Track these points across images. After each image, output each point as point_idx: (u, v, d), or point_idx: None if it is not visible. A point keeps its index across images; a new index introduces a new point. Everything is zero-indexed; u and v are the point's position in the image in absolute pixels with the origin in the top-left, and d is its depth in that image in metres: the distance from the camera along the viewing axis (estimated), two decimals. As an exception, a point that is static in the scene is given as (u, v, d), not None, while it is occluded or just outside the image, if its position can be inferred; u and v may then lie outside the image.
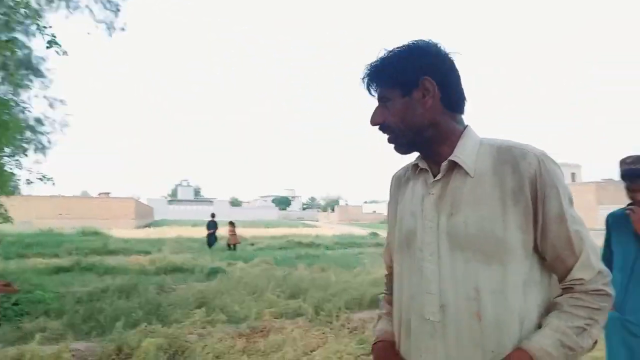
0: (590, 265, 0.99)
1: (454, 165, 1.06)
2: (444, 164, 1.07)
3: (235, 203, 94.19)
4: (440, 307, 1.01)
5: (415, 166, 1.17)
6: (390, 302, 1.25)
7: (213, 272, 8.93)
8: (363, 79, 1.14)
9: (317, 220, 72.68)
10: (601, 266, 1.00)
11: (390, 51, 1.11)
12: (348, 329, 5.01)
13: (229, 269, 9.49)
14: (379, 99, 1.12)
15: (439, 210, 1.05)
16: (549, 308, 1.01)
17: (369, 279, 7.51)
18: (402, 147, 1.13)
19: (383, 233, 28.05)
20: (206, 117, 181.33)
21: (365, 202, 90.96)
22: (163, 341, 4.06)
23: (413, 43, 1.09)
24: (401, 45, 1.10)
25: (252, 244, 17.83)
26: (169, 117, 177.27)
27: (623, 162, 2.24)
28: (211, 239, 15.91)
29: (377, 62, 1.12)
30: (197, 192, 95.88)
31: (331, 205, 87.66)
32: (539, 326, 0.98)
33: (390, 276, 1.32)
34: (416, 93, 1.08)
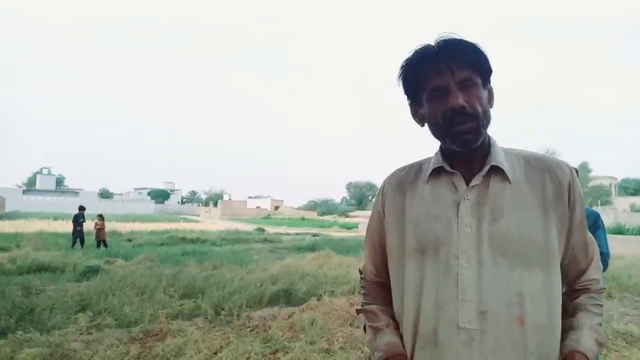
0: (599, 268, 1.11)
1: (491, 171, 1.05)
2: (485, 168, 1.05)
3: (105, 195, 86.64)
4: (478, 314, 0.97)
5: (435, 170, 1.10)
6: (385, 313, 1.17)
7: (90, 271, 8.05)
8: (439, 50, 1.02)
9: (198, 215, 70.15)
10: (602, 268, 1.15)
11: (466, 40, 1.03)
12: (249, 327, 4.89)
13: (108, 268, 8.64)
14: (461, 81, 1.01)
15: (478, 216, 1.02)
16: (567, 308, 1.06)
17: (265, 275, 7.42)
18: (479, 139, 1.03)
19: (268, 229, 28.11)
20: (71, 94, 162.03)
21: (250, 197, 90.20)
22: (44, 351, 3.55)
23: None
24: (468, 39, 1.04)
25: (130, 240, 16.53)
26: (25, 91, 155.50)
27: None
28: (80, 235, 14.06)
29: (461, 40, 1.02)
30: (59, 181, 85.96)
31: (214, 199, 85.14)
32: (564, 326, 1.04)
33: (375, 285, 1.25)
34: (488, 89, 1.08)
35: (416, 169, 1.17)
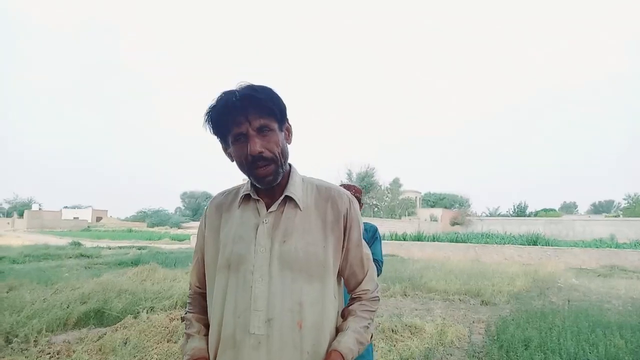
0: (373, 279, 1.36)
1: (286, 199, 1.25)
2: (280, 198, 1.25)
3: None
4: (266, 322, 1.15)
5: (245, 196, 1.28)
6: (200, 321, 1.33)
7: None
8: (237, 101, 1.15)
9: (-3, 228, 59.21)
10: (377, 279, 1.40)
11: (261, 87, 1.19)
12: (49, 354, 4.41)
13: None
14: (259, 128, 1.17)
15: (272, 238, 1.21)
16: (344, 313, 1.32)
17: (74, 294, 6.70)
18: (277, 178, 1.22)
19: (87, 242, 25.25)
20: None
21: (66, 207, 79.63)
22: None
23: (268, 86, 1.21)
24: (260, 84, 1.20)
25: None
26: None
27: None
28: None
29: (256, 91, 1.17)
30: None
31: (19, 209, 72.82)
32: (337, 329, 1.27)
33: (197, 296, 1.39)
34: (285, 131, 1.26)
35: (234, 193, 1.35)
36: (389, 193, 47.14)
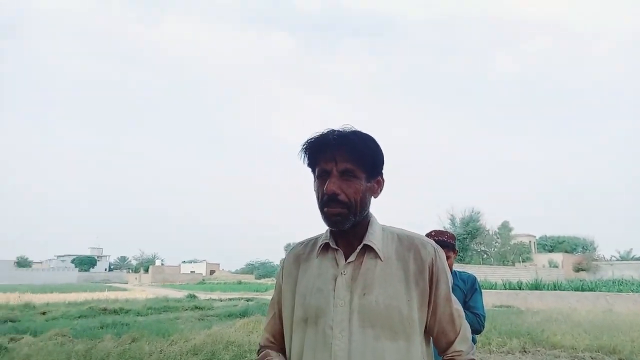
0: (466, 339, 1.23)
1: (365, 249, 1.19)
2: (359, 247, 1.19)
3: (22, 264, 79.48)
4: None
5: (324, 245, 1.24)
6: (278, 355, 1.29)
7: (-11, 351, 7.29)
8: (332, 139, 1.15)
9: (127, 283, 65.74)
10: (471, 338, 1.25)
11: (363, 134, 1.19)
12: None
13: (11, 346, 7.86)
14: (343, 171, 1.15)
15: (352, 290, 1.15)
16: None
17: (187, 346, 7.10)
18: (347, 223, 1.17)
19: (201, 295, 26.87)
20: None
21: (184, 261, 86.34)
22: None
23: (372, 136, 1.21)
24: (365, 132, 1.20)
25: (44, 313, 15.15)
26: None
27: (428, 235, 2.70)
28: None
29: (355, 136, 1.17)
30: (-32, 249, 78.02)
31: (145, 265, 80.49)
32: None
33: (268, 346, 1.34)
34: (374, 182, 1.22)
35: (312, 243, 1.31)
36: (498, 238, 43.86)
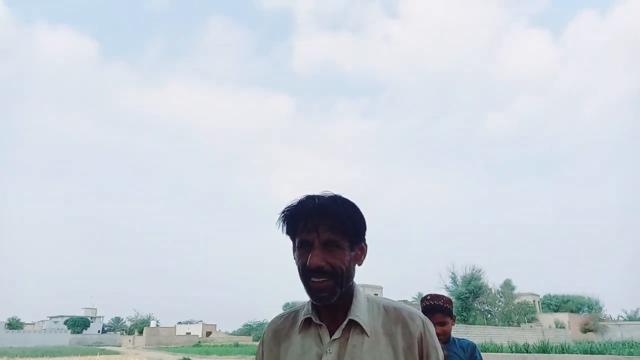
0: None
1: (351, 323, 1.11)
2: (344, 323, 1.11)
3: (14, 325, 77.07)
4: None
5: (305, 320, 1.16)
6: None
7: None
8: (313, 208, 1.10)
9: (120, 345, 63.47)
10: None
11: (344, 200, 1.14)
12: None
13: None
14: (326, 242, 1.09)
15: None
16: None
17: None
18: (334, 296, 1.09)
19: (196, 358, 25.99)
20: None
21: (180, 322, 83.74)
22: None
23: (353, 201, 1.16)
24: (345, 198, 1.15)
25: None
26: None
27: (424, 300, 2.61)
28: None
29: (336, 204, 1.11)
30: (-43, 310, 75.90)
31: (139, 326, 78.00)
32: None
33: None
34: (357, 250, 1.16)
35: (292, 316, 1.22)
36: (501, 297, 42.99)
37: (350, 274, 1.13)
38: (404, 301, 1.48)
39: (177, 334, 72.03)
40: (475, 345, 2.64)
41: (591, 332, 40.09)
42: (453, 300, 2.94)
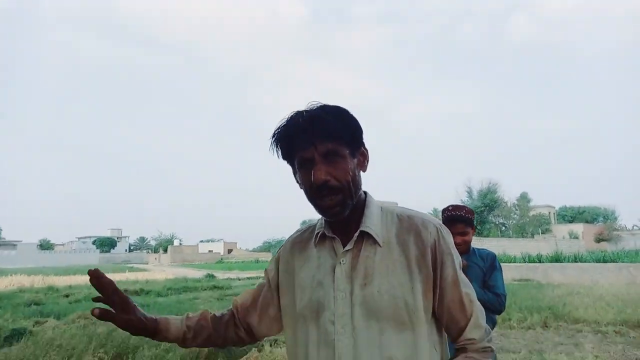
0: (479, 325, 1.08)
1: (364, 234, 1.09)
2: (356, 234, 1.08)
3: (45, 246, 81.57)
4: None
5: (320, 234, 1.14)
6: (202, 318, 1.23)
7: (15, 335, 7.44)
8: (303, 122, 1.04)
9: (147, 263, 67.16)
10: (486, 324, 1.10)
11: (333, 107, 1.07)
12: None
13: (36, 329, 8.03)
14: (325, 154, 1.04)
15: (352, 280, 1.05)
16: None
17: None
18: (346, 209, 1.07)
19: (219, 274, 27.28)
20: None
21: (202, 241, 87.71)
22: None
23: (343, 107, 1.09)
24: (333, 105, 1.08)
25: (67, 296, 15.51)
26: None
27: (445, 210, 2.61)
28: None
29: (326, 112, 1.05)
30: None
31: (164, 245, 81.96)
32: None
33: (228, 312, 1.27)
34: (359, 156, 1.12)
35: (309, 232, 1.21)
36: (516, 210, 43.26)
37: (357, 182, 1.09)
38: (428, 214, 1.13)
39: (199, 252, 75.70)
40: (495, 255, 2.66)
41: (605, 242, 40.62)
42: None
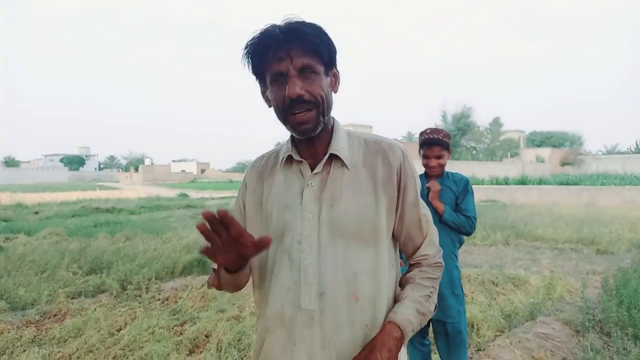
0: (433, 243, 1.18)
1: (332, 158, 1.11)
2: (325, 157, 1.10)
3: (10, 163, 79.35)
4: (318, 296, 1.04)
5: (286, 158, 1.13)
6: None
7: (-16, 251, 7.38)
8: (281, 34, 1.00)
9: (118, 182, 66.56)
10: (438, 243, 1.20)
11: (311, 23, 1.03)
12: (159, 300, 4.78)
13: (7, 245, 7.97)
14: (302, 68, 1.01)
15: (320, 202, 1.07)
16: (402, 282, 1.17)
17: (181, 244, 7.23)
18: (318, 126, 1.06)
19: (192, 194, 27.39)
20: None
21: (174, 160, 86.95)
22: None
23: (319, 24, 1.05)
24: (314, 22, 1.04)
25: (37, 213, 15.34)
26: None
27: (423, 133, 2.59)
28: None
29: (305, 26, 1.01)
30: (-46, 150, 77.43)
31: (134, 164, 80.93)
32: (396, 299, 1.12)
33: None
34: (331, 77, 1.10)
35: (274, 156, 1.20)
36: (488, 134, 44.08)
37: (329, 101, 1.08)
38: (394, 139, 1.09)
39: (172, 172, 75.23)
40: (467, 180, 2.70)
41: (569, 166, 42.28)
42: None
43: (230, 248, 0.95)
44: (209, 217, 0.89)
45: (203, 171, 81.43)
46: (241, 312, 4.32)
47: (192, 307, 4.46)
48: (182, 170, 79.30)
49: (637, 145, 50.76)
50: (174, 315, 4.25)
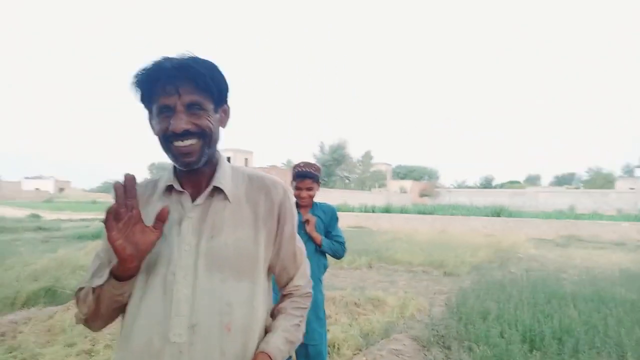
0: (305, 274, 1.26)
1: (214, 191, 1.12)
2: (208, 189, 1.11)
3: None
4: (189, 328, 1.02)
5: (167, 187, 1.13)
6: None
7: None
8: (172, 69, 1.00)
9: (-49, 200, 56.54)
10: (309, 275, 1.29)
11: (204, 60, 1.05)
12: (-6, 336, 4.18)
13: None
14: (189, 104, 1.03)
15: (199, 233, 1.07)
16: (274, 312, 1.21)
17: (27, 271, 6.41)
18: (202, 158, 1.07)
19: (47, 214, 24.42)
20: None
21: (27, 177, 76.75)
22: None
23: (213, 62, 1.08)
24: (204, 58, 1.06)
25: None
26: None
27: (297, 166, 2.80)
28: None
29: (197, 63, 1.03)
30: None
31: (-25, 180, 69.69)
32: (267, 329, 1.15)
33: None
34: (221, 112, 1.13)
35: (152, 185, 1.18)
36: (360, 165, 47.25)
37: (216, 135, 1.10)
38: (273, 166, 1.19)
39: (23, 189, 66.32)
40: (335, 209, 2.99)
41: (427, 197, 46.95)
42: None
43: (130, 233, 0.97)
44: (118, 188, 0.94)
45: (62, 190, 73.18)
46: (94, 345, 3.98)
47: (34, 342, 4.00)
48: (36, 189, 70.31)
49: (481, 181, 58.69)
50: (11, 352, 3.77)
